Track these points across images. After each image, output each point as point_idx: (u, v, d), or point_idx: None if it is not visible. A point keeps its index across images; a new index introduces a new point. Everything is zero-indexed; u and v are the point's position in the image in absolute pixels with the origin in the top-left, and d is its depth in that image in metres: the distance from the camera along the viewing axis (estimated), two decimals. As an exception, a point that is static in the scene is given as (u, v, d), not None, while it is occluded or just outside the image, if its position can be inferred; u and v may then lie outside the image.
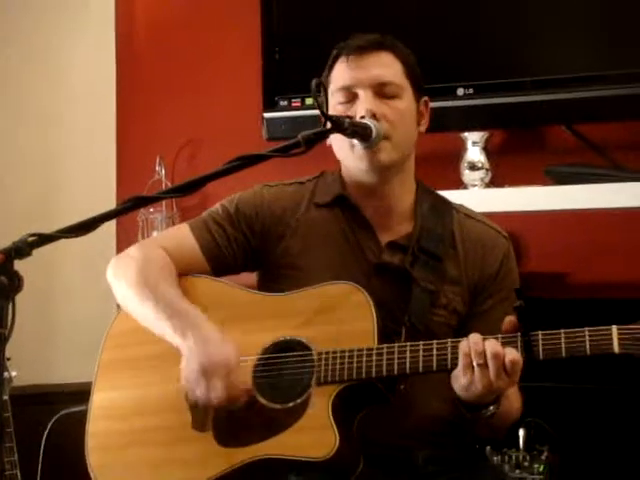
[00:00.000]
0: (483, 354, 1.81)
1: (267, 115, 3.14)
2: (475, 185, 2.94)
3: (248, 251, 2.17)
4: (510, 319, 1.85)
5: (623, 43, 2.78)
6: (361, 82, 2.07)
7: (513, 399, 2.03)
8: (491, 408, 1.91)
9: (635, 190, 2.67)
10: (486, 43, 2.91)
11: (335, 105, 2.08)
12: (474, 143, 2.96)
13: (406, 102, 2.10)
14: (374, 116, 2.02)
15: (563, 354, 1.81)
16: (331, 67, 2.13)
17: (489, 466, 2.50)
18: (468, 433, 2.08)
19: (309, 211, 2.17)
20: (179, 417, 2.02)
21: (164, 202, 3.44)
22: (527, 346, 1.82)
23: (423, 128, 2.18)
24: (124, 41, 3.72)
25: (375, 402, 1.96)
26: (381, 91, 2.07)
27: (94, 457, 2.09)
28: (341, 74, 2.09)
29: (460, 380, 1.85)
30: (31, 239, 1.54)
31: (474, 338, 1.84)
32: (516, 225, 2.95)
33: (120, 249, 2.23)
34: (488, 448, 2.64)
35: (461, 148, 2.98)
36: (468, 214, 2.19)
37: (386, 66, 2.09)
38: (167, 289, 2.06)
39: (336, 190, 2.16)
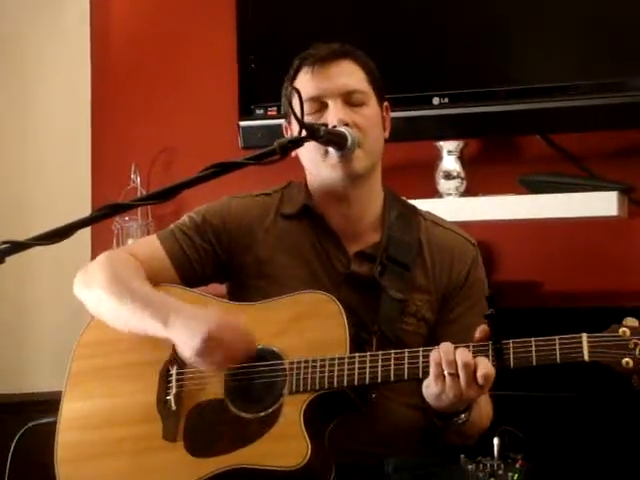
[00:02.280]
0: (454, 363, 1.82)
1: (243, 124, 3.14)
2: (450, 194, 2.95)
3: (216, 261, 2.16)
4: (483, 328, 1.86)
5: (597, 53, 2.80)
6: (329, 92, 2.07)
7: (483, 406, 2.04)
8: (462, 416, 1.92)
9: (609, 199, 2.69)
10: (462, 53, 2.93)
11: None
12: (449, 152, 2.97)
13: (372, 109, 2.11)
14: (346, 125, 2.03)
15: (534, 362, 1.82)
16: (293, 78, 2.13)
17: (459, 470, 2.50)
18: (439, 441, 2.08)
19: (276, 222, 2.17)
20: (150, 427, 2.01)
21: (139, 210, 3.43)
22: (498, 354, 1.83)
23: (387, 134, 2.18)
24: (99, 49, 3.71)
25: (347, 411, 1.96)
26: (349, 99, 2.07)
27: (63, 468, 2.07)
28: (307, 85, 2.08)
29: (431, 389, 1.86)
30: (4, 246, 1.53)
31: (445, 347, 1.85)
32: (491, 234, 2.97)
33: (95, 257, 2.21)
34: (462, 456, 2.65)
35: (436, 157, 2.99)
36: (436, 221, 2.20)
37: (351, 74, 2.10)
38: (138, 284, 2.05)
39: (301, 201, 2.16)
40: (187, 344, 1.93)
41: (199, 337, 1.90)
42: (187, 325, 1.93)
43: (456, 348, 1.84)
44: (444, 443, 2.09)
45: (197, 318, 1.94)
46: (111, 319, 2.07)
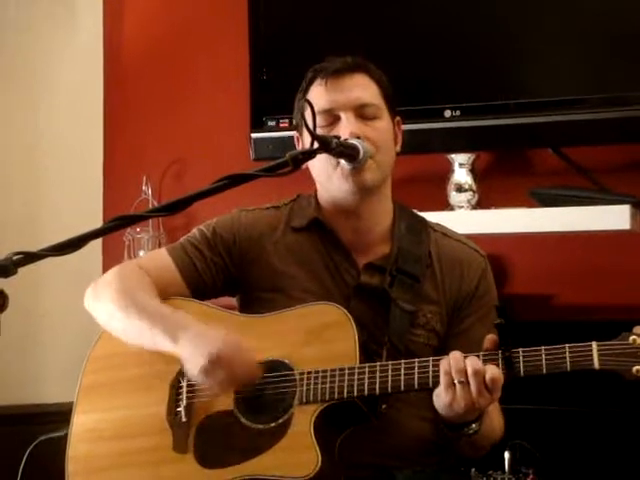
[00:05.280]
0: (464, 372, 1.82)
1: (254, 135, 3.14)
2: (462, 207, 2.95)
3: (226, 274, 2.17)
4: (491, 337, 1.86)
5: (609, 66, 2.80)
6: (342, 105, 2.08)
7: (495, 417, 2.04)
8: (473, 426, 1.92)
9: (621, 213, 2.68)
10: (474, 66, 2.93)
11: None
12: (461, 165, 2.97)
13: (385, 122, 2.11)
14: (358, 138, 2.03)
15: (544, 370, 1.82)
16: (306, 90, 2.14)
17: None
18: (451, 452, 2.08)
19: (286, 235, 2.17)
20: (160, 439, 2.02)
21: (150, 222, 3.43)
22: (508, 363, 1.83)
23: (399, 148, 2.18)
24: (112, 60, 3.72)
25: (357, 422, 1.96)
26: (362, 113, 2.08)
27: None
28: (320, 97, 2.08)
29: (442, 398, 1.86)
30: (16, 257, 1.53)
31: (455, 356, 1.85)
32: (502, 247, 2.97)
33: (106, 269, 2.22)
34: (473, 470, 2.64)
35: (448, 170, 2.99)
36: (445, 233, 2.20)
37: (364, 88, 2.11)
38: (148, 300, 2.06)
39: (311, 214, 2.17)
40: (193, 362, 1.93)
41: (205, 356, 1.90)
42: (195, 343, 1.94)
43: (466, 357, 1.84)
44: (456, 455, 2.09)
45: (205, 337, 1.94)
46: (121, 333, 2.09)
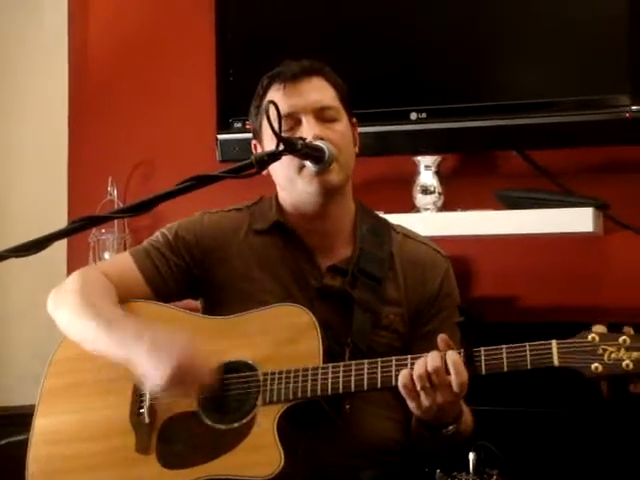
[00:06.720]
0: (425, 378, 1.84)
1: (221, 137, 3.14)
2: (428, 209, 2.96)
3: (189, 277, 2.17)
4: (442, 337, 1.88)
5: (574, 71, 2.82)
6: (302, 108, 2.09)
7: (468, 415, 2.06)
8: (450, 428, 1.94)
9: (584, 215, 2.70)
10: (440, 68, 2.94)
11: None
12: (427, 167, 2.97)
13: (344, 124, 2.13)
14: (321, 140, 2.04)
15: (505, 368, 1.85)
16: (263, 96, 2.14)
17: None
18: (415, 453, 2.10)
19: (248, 237, 2.18)
20: (123, 440, 2.01)
21: (116, 223, 3.42)
22: (469, 361, 1.85)
23: (357, 149, 2.19)
24: (77, 61, 3.69)
25: (321, 422, 1.97)
26: (322, 115, 2.09)
27: None
28: (280, 101, 2.05)
29: (409, 403, 1.88)
30: (-21, 258, 1.52)
31: (406, 373, 1.87)
32: (468, 249, 2.99)
33: (71, 270, 2.22)
34: (438, 471, 2.64)
35: (414, 172, 2.99)
36: (407, 234, 2.22)
37: (322, 91, 2.12)
38: (107, 308, 2.05)
39: (273, 217, 2.17)
40: (152, 377, 1.93)
41: (163, 374, 1.90)
42: (151, 356, 1.93)
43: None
44: (421, 455, 2.10)
45: (161, 349, 1.93)
46: (79, 341, 2.09)
